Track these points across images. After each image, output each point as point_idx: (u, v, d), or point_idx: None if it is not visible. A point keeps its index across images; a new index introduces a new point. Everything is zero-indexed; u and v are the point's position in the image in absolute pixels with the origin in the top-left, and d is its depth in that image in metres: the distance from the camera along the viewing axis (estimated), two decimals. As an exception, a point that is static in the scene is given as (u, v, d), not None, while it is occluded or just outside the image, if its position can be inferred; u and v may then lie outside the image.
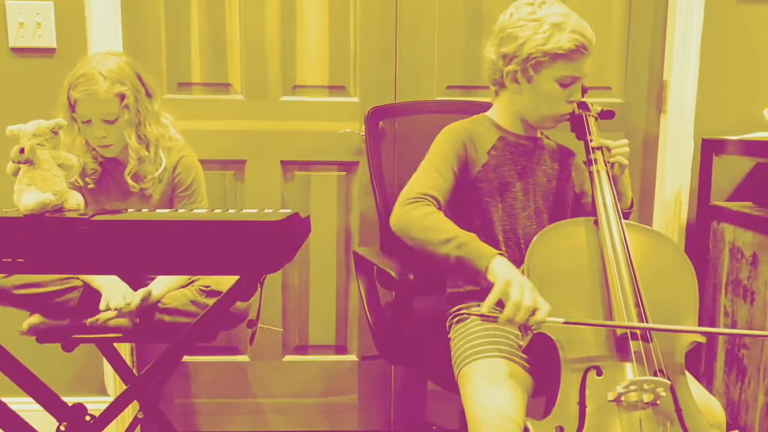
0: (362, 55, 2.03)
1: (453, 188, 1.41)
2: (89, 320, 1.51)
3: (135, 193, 1.67)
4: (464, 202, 1.45)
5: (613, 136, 1.50)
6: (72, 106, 1.58)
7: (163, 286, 1.56)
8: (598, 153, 1.40)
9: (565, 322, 1.14)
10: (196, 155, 1.76)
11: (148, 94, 1.66)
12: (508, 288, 1.15)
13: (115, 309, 1.50)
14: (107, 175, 1.70)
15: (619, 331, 1.17)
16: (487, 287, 1.44)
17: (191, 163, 1.72)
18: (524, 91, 1.41)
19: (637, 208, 2.11)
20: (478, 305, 1.41)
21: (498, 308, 1.17)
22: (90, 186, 1.67)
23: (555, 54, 1.34)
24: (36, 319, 1.53)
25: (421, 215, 1.32)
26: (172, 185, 1.70)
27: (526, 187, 1.47)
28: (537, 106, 1.43)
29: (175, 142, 1.72)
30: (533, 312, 1.14)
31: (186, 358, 2.10)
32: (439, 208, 1.36)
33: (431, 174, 1.40)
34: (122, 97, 1.59)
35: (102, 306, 1.51)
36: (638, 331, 1.16)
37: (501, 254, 1.24)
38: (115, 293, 1.52)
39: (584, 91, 1.48)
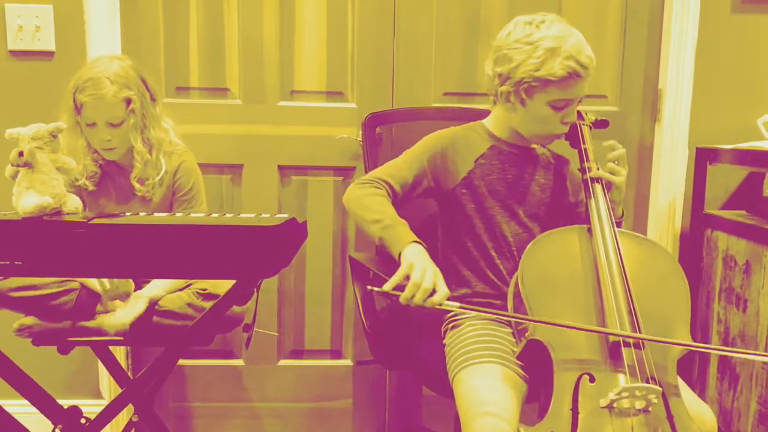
0: (360, 61, 2.04)
1: (415, 184, 1.45)
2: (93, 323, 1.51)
3: (135, 196, 1.68)
4: (451, 211, 1.47)
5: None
6: (78, 109, 1.59)
7: (161, 288, 1.56)
8: (592, 162, 1.41)
9: (461, 307, 1.19)
10: (195, 159, 1.77)
11: (152, 98, 1.67)
12: (410, 269, 1.19)
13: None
14: (107, 178, 1.70)
15: (611, 338, 1.17)
16: (481, 292, 1.45)
17: (191, 167, 1.73)
18: (518, 111, 1.41)
19: (631, 215, 2.13)
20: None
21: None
22: (90, 189, 1.68)
23: (547, 80, 1.33)
24: (29, 320, 1.53)
25: (363, 194, 1.39)
26: (172, 189, 1.71)
27: (517, 196, 1.47)
28: (530, 126, 1.43)
29: (175, 147, 1.73)
30: (431, 294, 1.18)
31: (181, 362, 2.10)
32: (391, 195, 1.41)
33: (396, 164, 1.47)
34: (128, 101, 1.60)
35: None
36: (628, 339, 1.17)
37: (418, 242, 1.27)
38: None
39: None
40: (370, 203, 1.37)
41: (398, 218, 1.33)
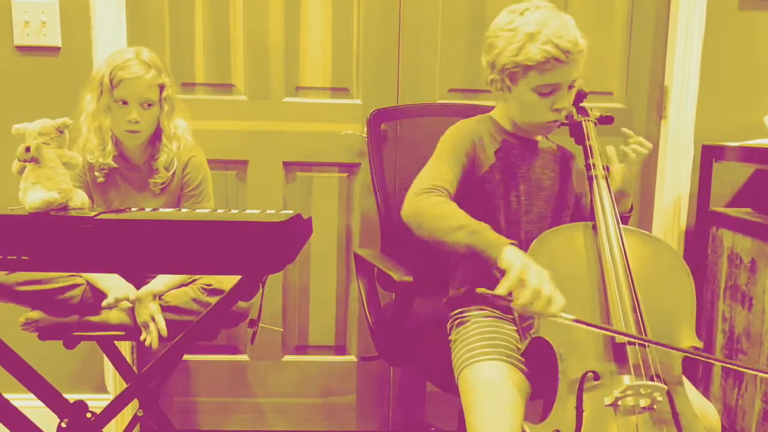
0: (365, 58, 2.04)
1: (461, 184, 1.40)
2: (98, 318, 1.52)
3: (145, 189, 1.69)
4: (471, 202, 1.46)
5: (613, 142, 1.51)
6: (112, 86, 1.60)
7: (164, 283, 1.57)
8: (597, 158, 1.40)
9: (575, 320, 1.12)
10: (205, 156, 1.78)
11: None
12: (525, 273, 1.13)
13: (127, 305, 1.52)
14: (116, 171, 1.71)
15: (617, 339, 1.17)
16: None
17: (200, 163, 1.75)
18: (508, 99, 1.41)
19: (636, 213, 2.12)
20: (481, 309, 1.41)
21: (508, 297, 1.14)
22: (99, 180, 1.69)
23: (526, 66, 1.32)
24: (36, 314, 1.54)
25: (432, 204, 1.31)
26: (180, 184, 1.72)
27: (530, 189, 1.47)
28: (521, 114, 1.42)
29: (185, 142, 1.74)
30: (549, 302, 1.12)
31: (186, 357, 2.11)
32: (451, 200, 1.35)
33: (440, 168, 1.40)
34: (162, 88, 1.64)
35: (109, 302, 1.53)
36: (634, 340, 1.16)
37: (513, 243, 1.22)
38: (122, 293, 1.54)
39: (583, 96, 1.48)
40: (444, 212, 1.29)
41: (480, 222, 1.27)
